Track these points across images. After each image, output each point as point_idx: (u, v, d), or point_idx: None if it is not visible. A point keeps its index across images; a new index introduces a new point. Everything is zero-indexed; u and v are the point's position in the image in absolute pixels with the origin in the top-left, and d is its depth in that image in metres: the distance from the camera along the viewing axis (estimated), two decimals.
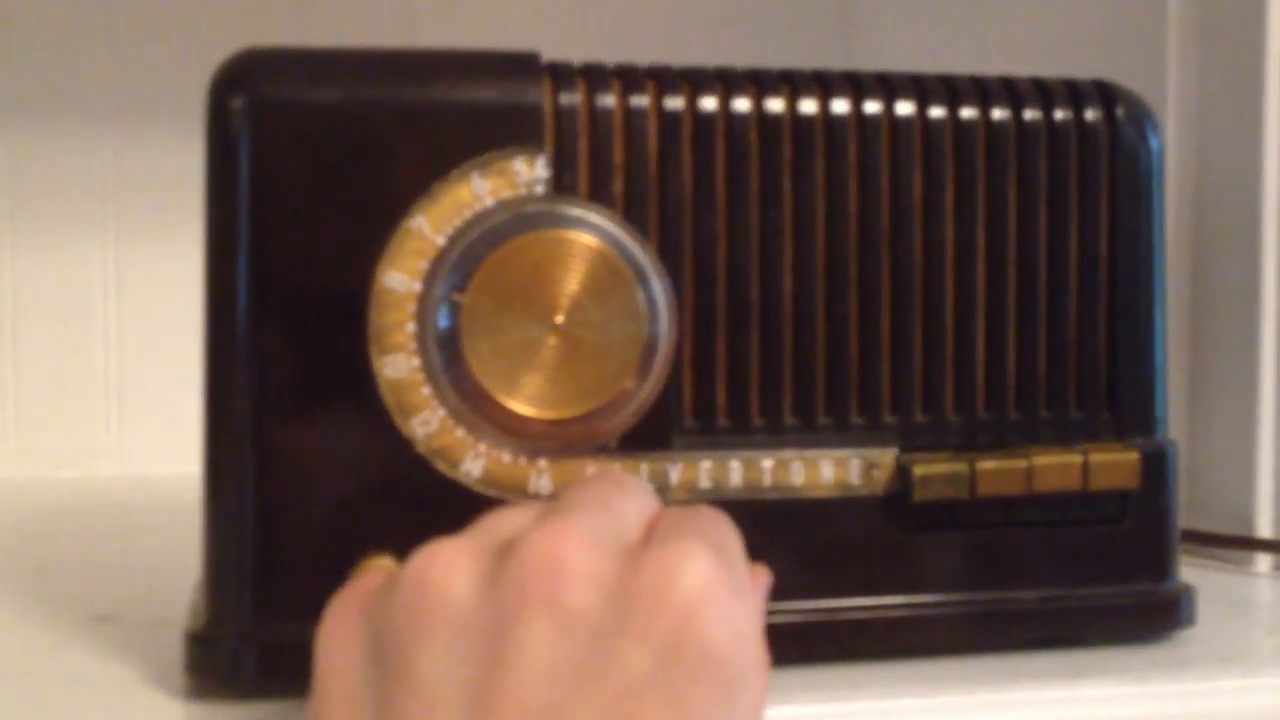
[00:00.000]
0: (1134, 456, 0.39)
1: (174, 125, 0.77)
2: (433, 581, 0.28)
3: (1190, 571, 0.48)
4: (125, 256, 0.79)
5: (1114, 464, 0.39)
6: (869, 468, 0.38)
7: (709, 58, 0.40)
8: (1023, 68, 0.42)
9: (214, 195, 0.35)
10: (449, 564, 0.28)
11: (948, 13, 0.73)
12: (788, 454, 0.38)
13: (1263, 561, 0.51)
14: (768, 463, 0.38)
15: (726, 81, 0.38)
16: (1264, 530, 0.51)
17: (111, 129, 0.79)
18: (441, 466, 0.36)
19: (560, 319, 0.35)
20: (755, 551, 0.37)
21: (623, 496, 0.31)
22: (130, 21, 0.79)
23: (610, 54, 0.40)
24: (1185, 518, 0.53)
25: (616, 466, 0.36)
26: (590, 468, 0.37)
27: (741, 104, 0.38)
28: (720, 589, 0.27)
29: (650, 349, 0.36)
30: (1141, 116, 0.40)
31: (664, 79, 0.37)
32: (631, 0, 0.86)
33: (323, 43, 0.37)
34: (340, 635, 0.29)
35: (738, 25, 0.87)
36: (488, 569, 0.28)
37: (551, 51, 0.38)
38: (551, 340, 0.35)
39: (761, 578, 0.34)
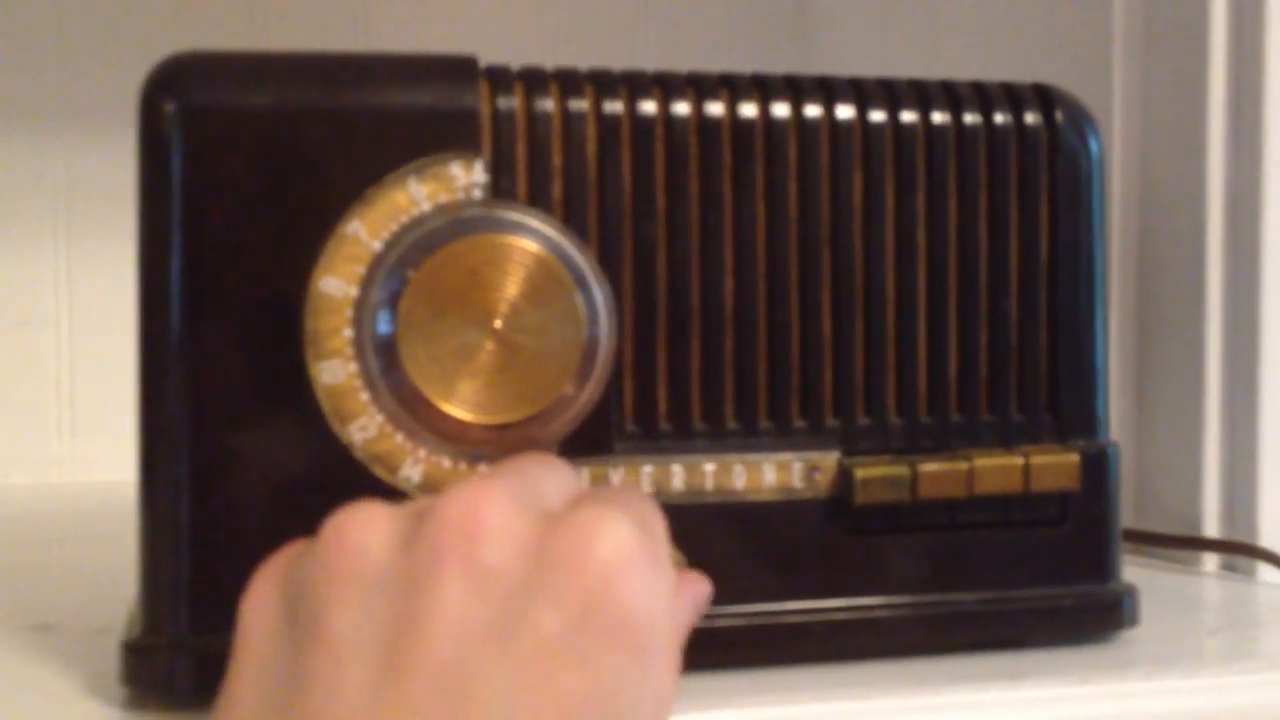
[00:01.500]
0: (1074, 458, 0.39)
1: (124, 131, 0.76)
2: (348, 539, 0.27)
3: (1137, 571, 0.48)
4: (76, 262, 0.79)
5: (1055, 466, 0.39)
6: (811, 471, 0.38)
7: (666, 62, 0.41)
8: (974, 71, 0.42)
9: (146, 201, 0.35)
10: (366, 522, 0.28)
11: (901, 16, 0.73)
12: (730, 457, 0.38)
13: (1209, 561, 0.52)
14: (710, 466, 0.38)
15: (665, 85, 0.38)
16: (1210, 530, 0.51)
17: (62, 135, 0.78)
18: (380, 472, 0.35)
19: (499, 324, 0.35)
20: (697, 555, 0.37)
21: (544, 470, 0.31)
22: (80, 26, 0.78)
23: (567, 58, 0.40)
24: (1132, 518, 0.53)
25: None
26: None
27: (681, 108, 0.38)
28: (640, 557, 0.27)
29: (590, 353, 0.36)
30: (1081, 120, 0.41)
31: (602, 83, 0.37)
32: (588, 4, 0.85)
33: (274, 48, 0.37)
34: (259, 599, 0.28)
35: (694, 30, 0.87)
36: (405, 529, 0.28)
37: (508, 56, 0.38)
38: (490, 345, 0.35)
39: (699, 585, 0.34)
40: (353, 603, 0.27)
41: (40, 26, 0.78)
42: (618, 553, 0.27)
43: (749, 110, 0.38)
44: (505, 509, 0.27)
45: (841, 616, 0.38)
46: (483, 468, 0.36)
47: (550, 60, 0.40)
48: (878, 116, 0.39)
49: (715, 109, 0.38)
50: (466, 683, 0.25)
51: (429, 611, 0.26)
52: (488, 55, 0.38)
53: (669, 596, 0.28)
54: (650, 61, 0.39)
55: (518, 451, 0.36)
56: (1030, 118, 0.40)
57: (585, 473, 0.37)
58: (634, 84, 0.38)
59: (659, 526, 0.30)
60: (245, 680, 0.28)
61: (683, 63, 0.42)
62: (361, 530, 0.28)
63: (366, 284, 0.35)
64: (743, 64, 0.43)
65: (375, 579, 0.27)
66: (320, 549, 0.28)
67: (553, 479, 0.31)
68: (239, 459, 0.35)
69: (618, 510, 0.28)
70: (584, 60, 0.40)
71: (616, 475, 0.37)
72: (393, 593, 0.27)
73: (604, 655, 0.26)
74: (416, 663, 0.26)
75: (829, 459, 0.38)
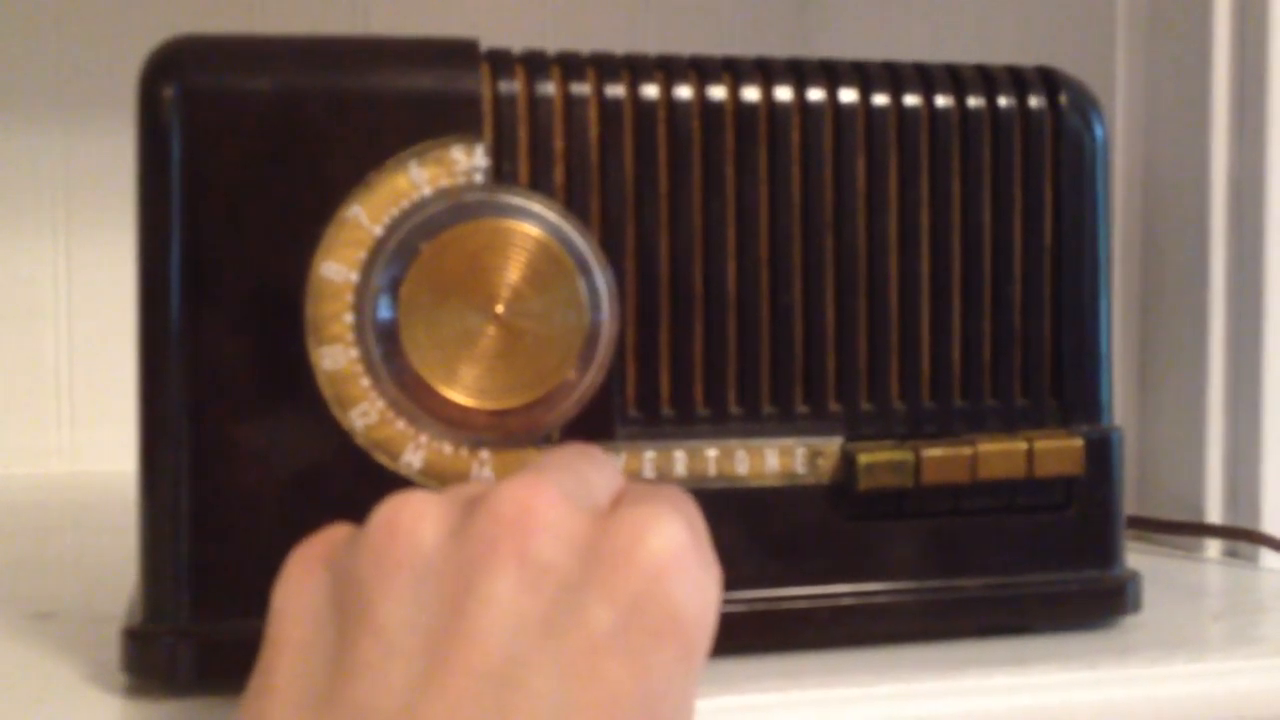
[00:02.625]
0: (1078, 443, 0.39)
1: (123, 119, 0.76)
2: (401, 528, 0.27)
3: (1140, 557, 0.48)
4: (75, 252, 0.79)
5: (1059, 451, 0.39)
6: (814, 456, 0.38)
7: (668, 46, 0.40)
8: (976, 55, 0.42)
9: (146, 186, 0.35)
10: (419, 512, 0.28)
11: (903, 3, 0.73)
12: (732, 443, 0.38)
13: (1212, 547, 0.51)
14: (712, 452, 0.38)
15: (668, 69, 0.38)
16: (1213, 516, 0.51)
17: (60, 124, 0.78)
18: (381, 458, 0.35)
19: (500, 309, 0.35)
20: None
21: (590, 466, 0.31)
22: (78, 16, 0.78)
23: (567, 43, 0.40)
24: (1135, 503, 0.53)
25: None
26: (534, 458, 0.36)
27: (683, 91, 0.37)
28: (690, 555, 0.27)
29: (592, 339, 0.36)
30: (1085, 103, 0.40)
31: (604, 66, 0.37)
32: None
33: (273, 29, 0.37)
34: (300, 584, 0.28)
35: (696, 14, 0.87)
36: (457, 520, 0.27)
37: (508, 41, 0.38)
38: (491, 330, 0.35)
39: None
40: (404, 593, 0.26)
41: (39, 17, 0.78)
42: (668, 550, 0.27)
43: (752, 94, 0.38)
44: (558, 504, 0.27)
45: (845, 602, 0.38)
46: (484, 454, 0.36)
47: (547, 45, 0.39)
48: (881, 100, 0.39)
49: (718, 92, 0.38)
50: (516, 675, 0.25)
51: (480, 604, 0.26)
52: (487, 38, 0.37)
53: (716, 595, 0.28)
54: (650, 46, 0.39)
55: (520, 438, 0.36)
56: (1034, 101, 0.40)
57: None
58: (636, 67, 0.37)
59: (702, 522, 0.30)
60: (284, 665, 0.27)
61: (683, 47, 0.42)
62: (414, 520, 0.27)
63: (367, 269, 0.35)
64: (743, 48, 0.43)
65: (426, 569, 0.27)
66: (371, 538, 0.27)
67: (598, 473, 0.31)
68: (239, 445, 0.35)
69: (668, 507, 0.28)
70: (582, 45, 0.40)
71: (619, 461, 0.37)
72: (444, 583, 0.26)
73: (653, 652, 0.26)
74: (467, 654, 0.25)
75: (832, 444, 0.38)
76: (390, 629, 0.26)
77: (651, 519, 0.27)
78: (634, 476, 0.37)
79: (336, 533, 0.29)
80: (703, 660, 0.28)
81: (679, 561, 0.27)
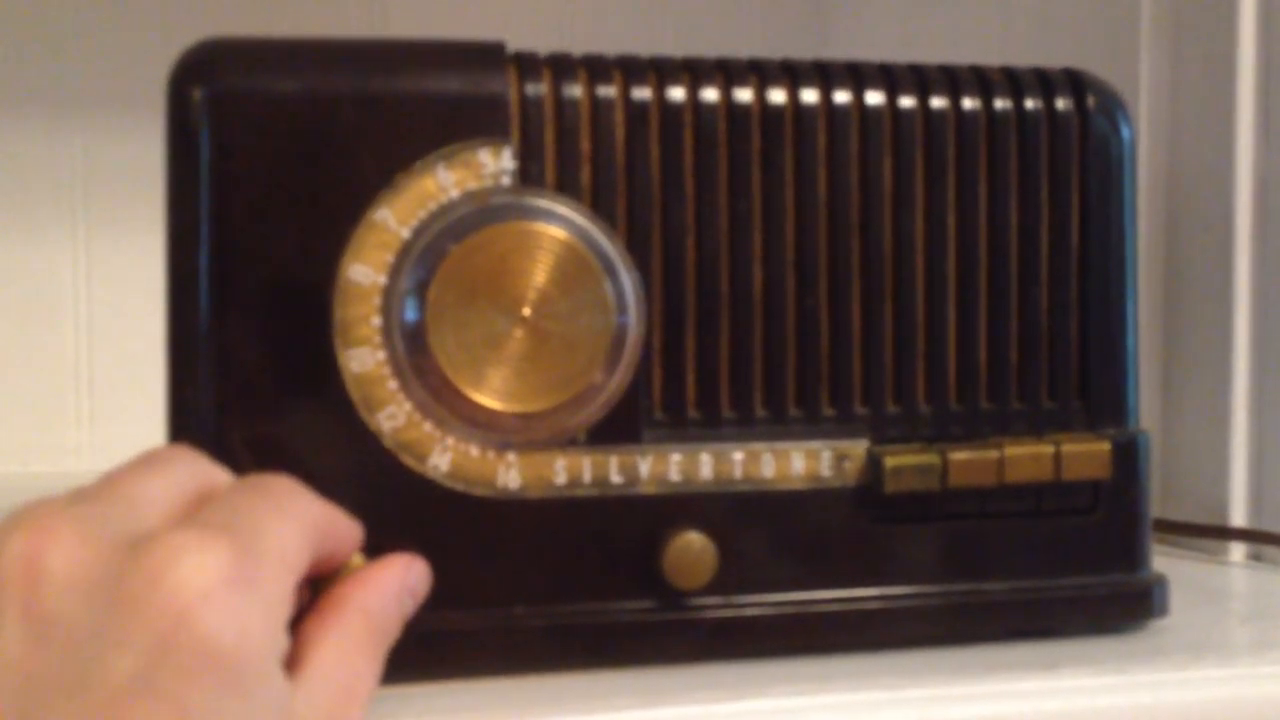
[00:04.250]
0: (1105, 447, 0.39)
1: (142, 117, 0.76)
2: None
3: (1164, 561, 0.48)
4: (94, 250, 0.79)
5: (1086, 454, 0.39)
6: (840, 459, 0.38)
7: (685, 48, 0.40)
8: (997, 57, 0.42)
9: (175, 188, 0.35)
10: None
11: (922, 3, 0.73)
12: (758, 446, 0.38)
13: (1236, 551, 0.51)
14: (738, 455, 0.37)
15: (694, 71, 0.37)
16: (1237, 519, 0.51)
17: (79, 121, 0.78)
18: (408, 460, 0.35)
19: (527, 311, 0.35)
20: (726, 544, 0.37)
21: (146, 476, 0.29)
22: (97, 13, 0.78)
23: (585, 45, 0.40)
24: (1159, 507, 0.53)
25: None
26: (560, 461, 0.36)
27: (709, 94, 0.37)
28: (219, 586, 0.25)
29: (619, 341, 0.36)
30: (1112, 105, 0.40)
31: (631, 69, 0.37)
32: None
33: (292, 34, 0.37)
34: None
35: (714, 16, 0.87)
36: None
37: (526, 43, 0.38)
38: (519, 333, 0.35)
39: (404, 568, 0.32)
40: None
41: (57, 15, 0.78)
42: (190, 583, 0.25)
43: (778, 96, 0.38)
44: (70, 548, 0.26)
45: (872, 606, 0.38)
46: (511, 456, 0.36)
47: (565, 47, 0.39)
48: (907, 102, 0.38)
49: (744, 95, 0.38)
50: None
51: None
52: (505, 40, 0.37)
53: (267, 615, 0.26)
54: (666, 46, 0.39)
55: (546, 440, 0.36)
56: (1061, 103, 0.40)
57: (613, 461, 0.36)
58: (662, 70, 0.37)
59: (274, 529, 0.28)
60: None
61: (702, 49, 0.42)
62: None
63: (395, 271, 0.35)
64: (763, 50, 0.43)
65: None
66: None
67: (151, 482, 0.29)
68: (267, 447, 0.35)
69: (198, 532, 0.26)
70: (600, 47, 0.40)
71: (644, 464, 0.37)
72: None
73: (188, 691, 0.25)
74: None
75: (858, 447, 0.38)
76: None
77: (177, 549, 0.26)
78: (660, 479, 0.37)
79: None
80: (265, 680, 0.26)
81: (202, 592, 0.25)
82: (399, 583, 0.32)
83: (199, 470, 0.30)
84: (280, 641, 0.27)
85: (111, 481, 0.29)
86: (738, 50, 0.40)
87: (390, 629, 0.31)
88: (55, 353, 0.79)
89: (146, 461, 0.30)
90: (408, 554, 0.33)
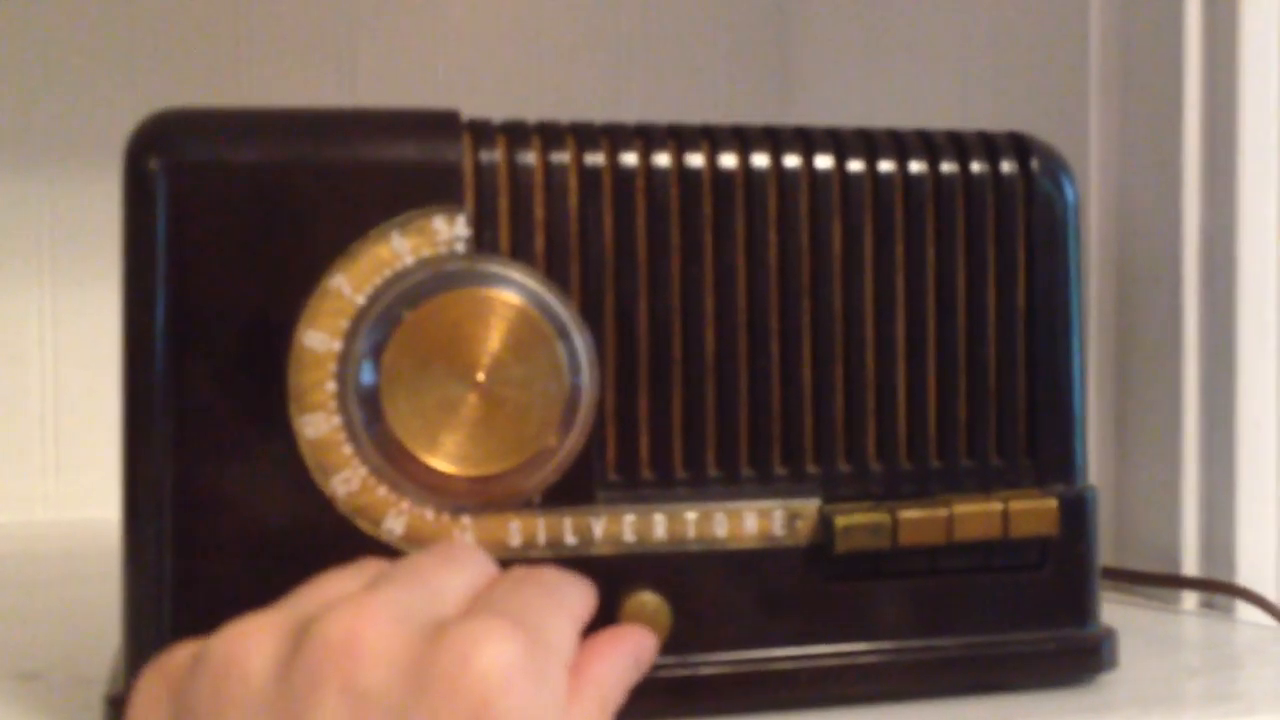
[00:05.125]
0: (1053, 504, 0.40)
1: (109, 170, 0.76)
2: (234, 659, 0.27)
3: (1117, 609, 0.48)
4: (60, 301, 0.79)
5: (1033, 511, 0.39)
6: (792, 518, 0.39)
7: (649, 114, 0.41)
8: (955, 118, 0.43)
9: (131, 255, 0.35)
10: (249, 641, 0.28)
11: (883, 68, 0.74)
12: (711, 506, 0.38)
13: (1188, 599, 0.52)
14: (691, 515, 0.38)
15: (647, 137, 0.38)
16: (1189, 568, 0.52)
17: (46, 173, 0.78)
18: (363, 525, 0.36)
19: (482, 376, 0.36)
20: (681, 603, 0.37)
21: (444, 568, 0.31)
22: (66, 68, 0.79)
23: (551, 109, 0.40)
24: (1112, 555, 0.54)
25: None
26: (514, 523, 0.37)
27: (661, 159, 0.38)
28: (517, 675, 0.27)
29: (572, 404, 0.36)
30: (1056, 167, 0.41)
31: (584, 135, 0.38)
32: (574, 55, 0.86)
33: (260, 96, 0.37)
34: (146, 709, 0.28)
35: (677, 81, 0.88)
36: (288, 648, 0.27)
37: (494, 109, 0.38)
38: (473, 398, 0.36)
39: (637, 640, 0.34)
40: None
41: (27, 66, 0.78)
42: (495, 670, 0.27)
43: (729, 161, 0.38)
44: (385, 627, 0.27)
45: (825, 663, 0.38)
46: (466, 519, 0.36)
47: (535, 111, 0.40)
48: (856, 166, 0.39)
49: (695, 160, 0.38)
50: None
51: None
52: (472, 105, 0.38)
53: (556, 707, 0.28)
54: (632, 114, 0.39)
55: (501, 504, 0.36)
56: (1006, 166, 0.40)
57: (568, 523, 0.37)
58: (615, 136, 0.38)
59: (556, 624, 0.30)
60: None
61: (665, 115, 0.43)
62: (245, 653, 0.27)
63: (350, 337, 0.35)
64: (725, 116, 0.43)
65: (256, 702, 0.27)
66: (207, 670, 0.28)
67: (454, 577, 0.31)
68: (222, 512, 0.35)
69: (498, 621, 0.28)
70: (567, 112, 0.40)
71: (598, 525, 0.37)
72: (275, 717, 0.26)
73: None
74: None
75: (810, 506, 0.39)
76: None
77: (481, 637, 0.27)
78: (614, 540, 0.37)
79: (179, 655, 0.29)
80: None
81: (506, 680, 0.27)
82: (631, 658, 0.33)
83: (488, 569, 0.32)
84: None
85: (415, 570, 0.31)
86: (703, 115, 0.41)
87: (617, 700, 0.32)
88: (21, 403, 0.79)
89: (445, 555, 0.32)
90: (641, 628, 0.35)
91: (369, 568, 0.31)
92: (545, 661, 0.28)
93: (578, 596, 0.32)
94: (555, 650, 0.29)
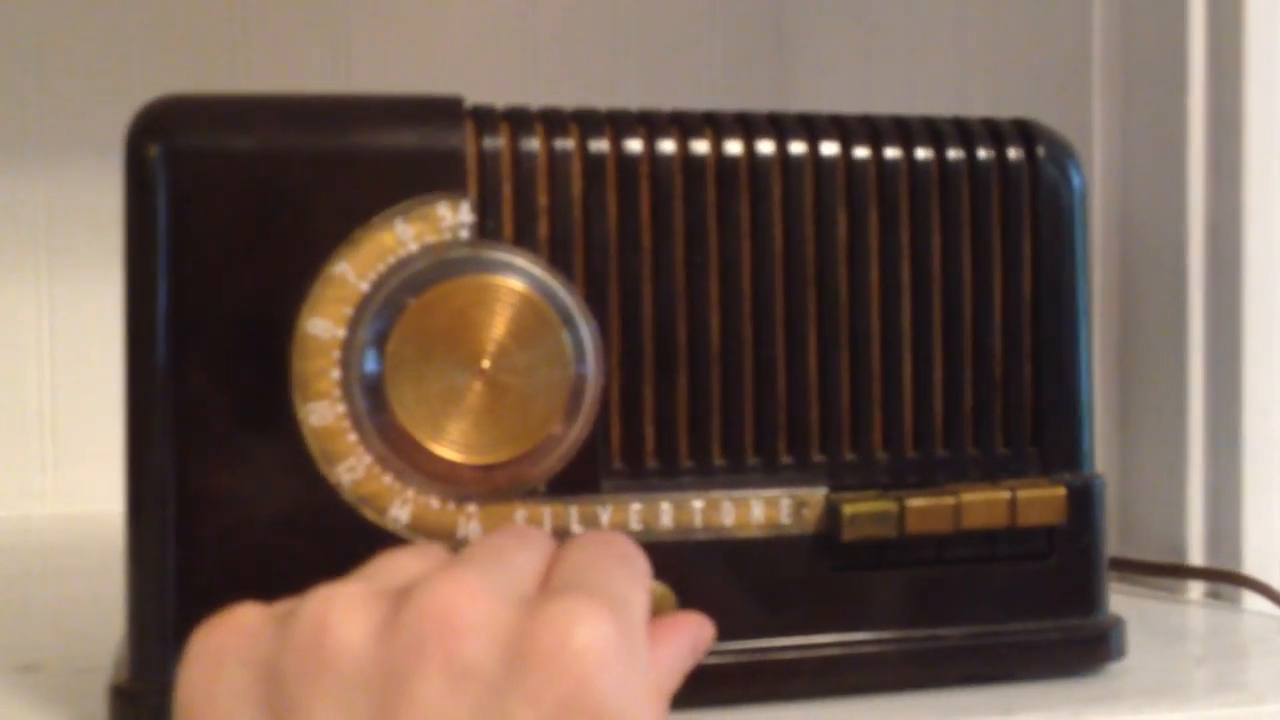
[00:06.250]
0: (1060, 492, 0.39)
1: (105, 163, 0.76)
2: (330, 627, 0.27)
3: (1122, 599, 0.48)
4: (58, 294, 0.79)
5: (1040, 500, 0.39)
6: (799, 507, 0.38)
7: (648, 100, 0.41)
8: (955, 105, 0.43)
9: (133, 244, 0.35)
10: (346, 609, 0.27)
11: (882, 55, 0.74)
12: (717, 494, 0.38)
13: (1194, 589, 0.52)
14: (698, 503, 0.38)
15: (650, 124, 0.38)
16: (1195, 558, 0.52)
17: (42, 167, 0.78)
18: (368, 513, 0.35)
19: (486, 364, 0.35)
20: (687, 592, 0.37)
21: (520, 547, 0.31)
22: (61, 60, 0.78)
23: (549, 96, 0.40)
24: (1118, 545, 0.54)
25: (519, 518, 0.36)
26: (520, 512, 0.36)
27: (666, 146, 0.38)
28: (614, 652, 0.27)
29: (577, 392, 0.36)
30: (1062, 154, 0.41)
31: (587, 122, 0.37)
32: (571, 42, 0.86)
33: (255, 84, 0.37)
34: (213, 678, 0.28)
35: (676, 68, 0.87)
36: (384, 616, 0.27)
37: (490, 95, 0.38)
38: (477, 385, 0.35)
39: (698, 628, 0.34)
40: (333, 695, 0.26)
41: (21, 59, 0.78)
42: (593, 648, 0.27)
43: (733, 148, 0.38)
44: (485, 601, 0.27)
45: (831, 652, 0.38)
46: (471, 508, 0.36)
47: (530, 97, 0.40)
48: (861, 153, 0.39)
49: (700, 147, 0.38)
50: None
51: (408, 708, 0.26)
52: (466, 90, 0.38)
53: (643, 686, 0.28)
54: (629, 102, 0.39)
55: (506, 492, 0.36)
56: (1012, 153, 0.40)
57: (573, 512, 0.37)
58: (619, 123, 0.38)
59: (636, 595, 0.30)
60: None
61: (662, 102, 0.42)
62: (341, 619, 0.27)
63: (354, 325, 0.35)
64: (723, 102, 0.43)
65: (355, 671, 0.27)
66: (298, 635, 0.27)
67: (525, 555, 0.31)
68: (226, 502, 0.35)
69: (592, 600, 0.28)
70: (563, 100, 0.40)
71: (604, 514, 0.37)
72: (372, 687, 0.26)
73: None
74: None
75: (816, 495, 0.38)
76: None
77: (577, 614, 0.27)
78: (620, 529, 0.37)
79: (245, 621, 0.29)
80: None
81: (603, 658, 0.27)
82: (689, 644, 0.33)
83: (553, 545, 0.32)
84: (651, 710, 0.29)
85: (496, 549, 0.31)
86: (701, 101, 0.41)
87: (674, 684, 0.32)
88: (19, 398, 0.78)
89: (518, 535, 0.32)
90: (700, 615, 0.34)
91: (431, 551, 0.31)
92: (634, 639, 0.28)
93: (646, 565, 0.32)
94: (639, 626, 0.29)
